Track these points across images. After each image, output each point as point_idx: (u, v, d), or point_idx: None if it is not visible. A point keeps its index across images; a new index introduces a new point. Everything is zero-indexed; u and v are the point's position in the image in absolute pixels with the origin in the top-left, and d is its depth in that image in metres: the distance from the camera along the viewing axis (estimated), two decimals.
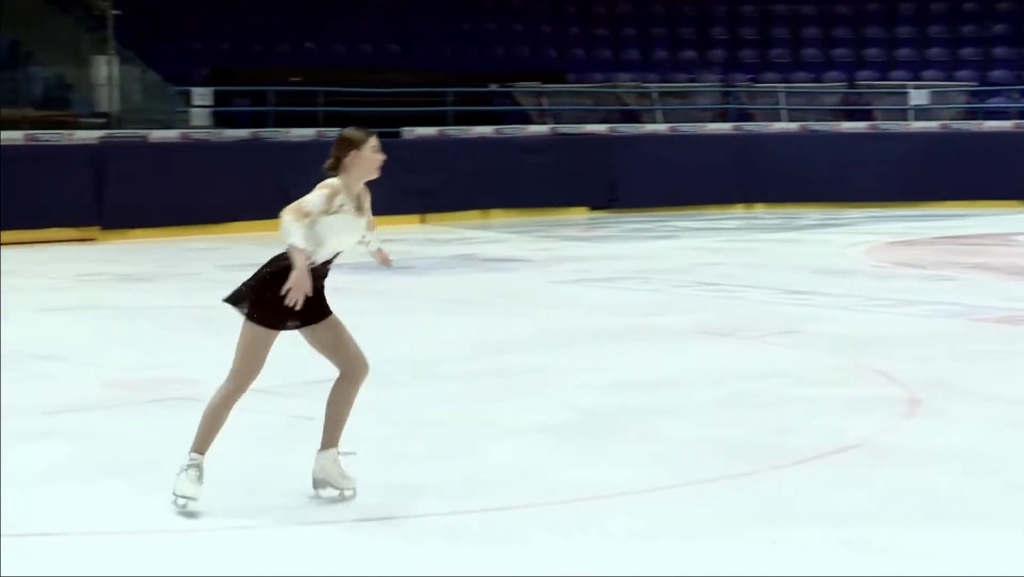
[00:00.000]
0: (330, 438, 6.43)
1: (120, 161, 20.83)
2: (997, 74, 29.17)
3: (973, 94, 28.55)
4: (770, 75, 29.68)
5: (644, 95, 28.38)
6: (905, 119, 27.45)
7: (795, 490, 6.84)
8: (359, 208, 6.50)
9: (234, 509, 6.40)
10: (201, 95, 23.34)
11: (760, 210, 25.90)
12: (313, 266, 6.22)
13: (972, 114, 27.73)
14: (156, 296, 14.44)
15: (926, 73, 29.46)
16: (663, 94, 28.38)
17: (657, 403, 8.88)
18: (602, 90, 28.53)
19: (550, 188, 24.61)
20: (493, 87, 27.45)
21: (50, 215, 19.97)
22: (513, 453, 7.63)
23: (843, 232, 21.49)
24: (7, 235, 19.39)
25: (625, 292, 14.54)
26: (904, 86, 28.27)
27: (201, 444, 6.25)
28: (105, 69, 22.81)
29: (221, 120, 23.40)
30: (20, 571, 5.65)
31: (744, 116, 27.79)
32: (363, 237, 6.62)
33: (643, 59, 30.37)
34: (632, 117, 27.57)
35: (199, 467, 6.22)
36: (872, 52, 30.52)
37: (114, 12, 22.81)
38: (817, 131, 26.98)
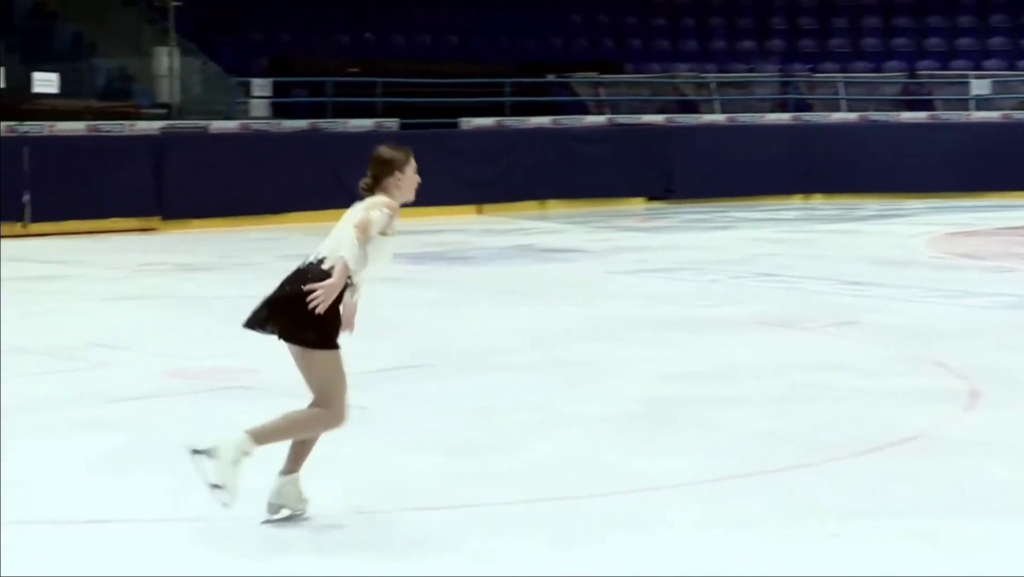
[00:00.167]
0: (294, 464, 6.01)
1: (180, 152, 20.99)
2: None
3: None
4: (829, 65, 29.48)
5: (702, 85, 28.29)
6: (966, 109, 27.21)
7: (854, 482, 6.82)
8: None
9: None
10: (260, 86, 23.48)
11: (818, 201, 25.75)
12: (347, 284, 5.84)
13: None
14: (216, 286, 14.55)
15: (987, 63, 29.18)
16: (721, 84, 28.27)
17: (715, 394, 8.87)
18: (660, 80, 28.46)
19: (607, 178, 24.59)
20: (551, 78, 27.43)
21: (111, 205, 20.16)
22: (572, 443, 7.64)
23: (903, 223, 21.34)
24: (69, 225, 19.60)
25: (682, 283, 14.50)
26: (965, 76, 28.02)
27: (262, 436, 5.93)
28: (166, 60, 22.99)
29: (280, 111, 23.52)
30: (66, 558, 5.73)
31: (803, 106, 27.63)
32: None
33: (701, 49, 30.26)
34: (690, 107, 27.49)
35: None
36: (933, 41, 30.27)
37: (175, 3, 22.98)
38: (877, 121, 26.78)
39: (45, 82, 20.55)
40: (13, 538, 6.00)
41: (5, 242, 18.51)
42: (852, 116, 27.06)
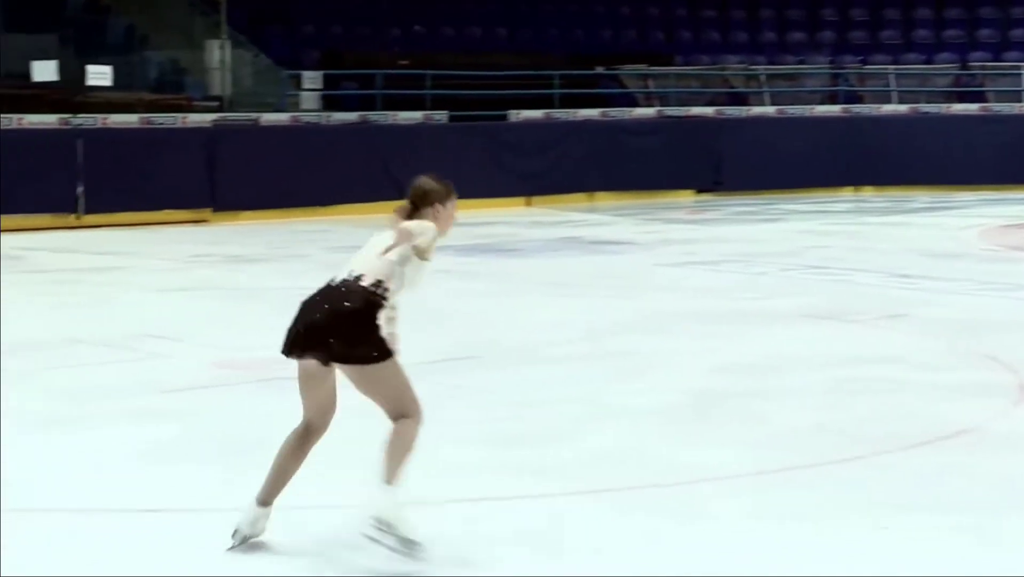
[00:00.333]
0: (271, 494, 5.67)
1: (231, 144, 21.12)
2: None
3: None
4: (880, 57, 29.30)
5: (752, 77, 28.18)
6: (1018, 101, 26.96)
7: (904, 476, 6.80)
8: None
9: (328, 487, 6.48)
10: (311, 79, 23.57)
11: (869, 193, 25.63)
12: (379, 297, 5.53)
13: None
14: (266, 277, 14.64)
15: None
16: (771, 76, 28.15)
17: (763, 387, 8.86)
18: (709, 72, 28.37)
19: (656, 171, 24.55)
20: (600, 70, 27.40)
21: (164, 197, 20.31)
22: (620, 435, 7.66)
23: (954, 215, 21.20)
24: (122, 216, 19.77)
25: (731, 275, 14.48)
26: (1018, 67, 27.75)
27: (400, 477, 5.58)
28: (218, 53, 23.14)
29: (330, 103, 23.62)
30: (118, 547, 5.80)
31: (853, 98, 27.48)
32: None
33: (751, 41, 30.13)
34: (739, 100, 27.39)
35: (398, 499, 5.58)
36: (985, 33, 30.01)
37: None
38: (928, 113, 26.60)
39: (99, 75, 20.71)
40: (66, 527, 6.08)
41: (59, 234, 18.70)
42: (903, 108, 26.89)
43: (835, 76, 28.27)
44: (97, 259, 16.11)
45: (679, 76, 27.93)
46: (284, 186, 21.07)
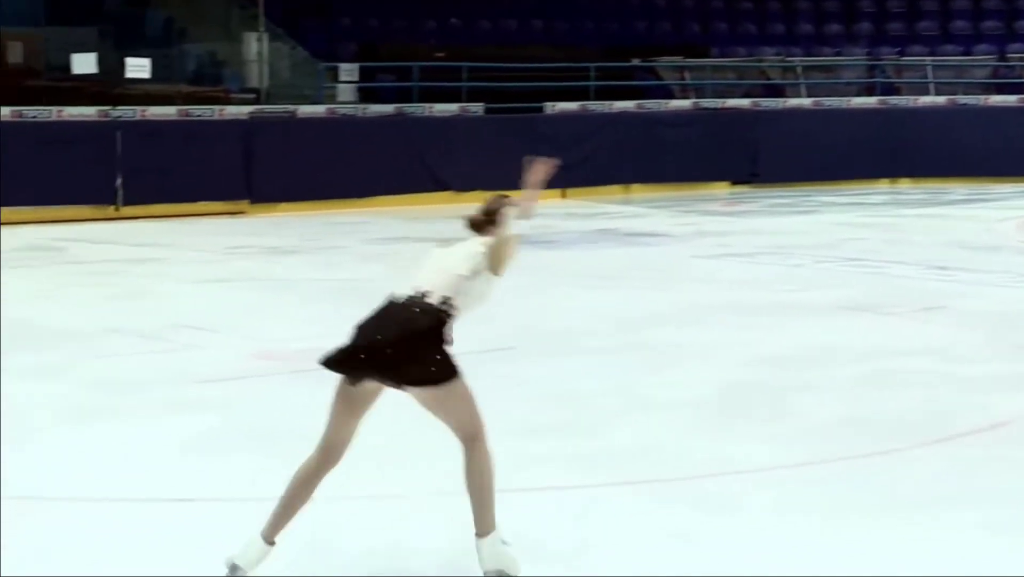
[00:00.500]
0: (277, 529, 5.31)
1: (268, 136, 21.20)
2: None
3: None
4: (918, 48, 29.15)
5: (788, 69, 28.08)
6: None
7: (941, 469, 6.80)
8: None
9: (372, 480, 6.53)
10: (347, 71, 23.64)
11: (905, 185, 25.51)
12: (447, 315, 5.31)
13: None
14: (303, 269, 14.70)
15: None
16: (807, 68, 28.05)
17: (799, 379, 8.86)
18: (745, 64, 28.30)
19: (692, 163, 24.51)
20: (635, 62, 27.36)
21: (201, 189, 20.41)
22: (654, 427, 7.68)
23: (992, 207, 21.10)
24: (160, 208, 19.88)
25: (766, 267, 14.46)
26: None
27: (492, 520, 5.35)
28: (255, 45, 23.24)
29: (366, 96, 23.68)
30: (159, 536, 5.86)
31: (890, 90, 27.36)
32: None
33: (788, 33, 30.04)
34: (776, 91, 27.30)
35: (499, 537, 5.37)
36: None
37: None
38: (965, 105, 26.47)
39: (137, 67, 20.82)
40: (108, 516, 6.15)
41: (98, 225, 18.82)
42: (940, 100, 26.76)
43: (872, 68, 28.15)
44: (135, 251, 16.21)
45: (715, 68, 27.86)
46: (320, 178, 21.14)
